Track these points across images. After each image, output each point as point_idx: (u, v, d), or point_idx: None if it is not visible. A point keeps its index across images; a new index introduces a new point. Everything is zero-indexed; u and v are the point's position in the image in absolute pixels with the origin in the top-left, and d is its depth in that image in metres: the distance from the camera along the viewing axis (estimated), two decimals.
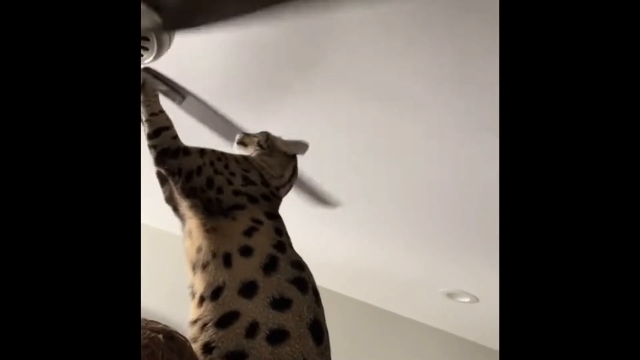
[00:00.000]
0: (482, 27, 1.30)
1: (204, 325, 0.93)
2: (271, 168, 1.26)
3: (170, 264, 1.70)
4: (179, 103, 1.51)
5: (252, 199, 1.11)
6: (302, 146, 1.36)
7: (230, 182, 1.12)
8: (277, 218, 1.11)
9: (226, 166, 1.16)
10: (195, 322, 0.95)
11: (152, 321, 0.80)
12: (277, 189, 1.23)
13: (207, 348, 0.90)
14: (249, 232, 1.03)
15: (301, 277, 0.99)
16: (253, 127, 1.57)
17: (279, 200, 1.21)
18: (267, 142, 1.33)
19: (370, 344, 3.21)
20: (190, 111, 1.55)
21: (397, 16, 1.33)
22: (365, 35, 1.41)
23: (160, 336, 0.77)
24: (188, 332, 0.95)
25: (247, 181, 1.15)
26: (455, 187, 1.96)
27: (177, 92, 1.49)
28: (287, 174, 1.30)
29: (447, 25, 1.33)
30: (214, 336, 0.90)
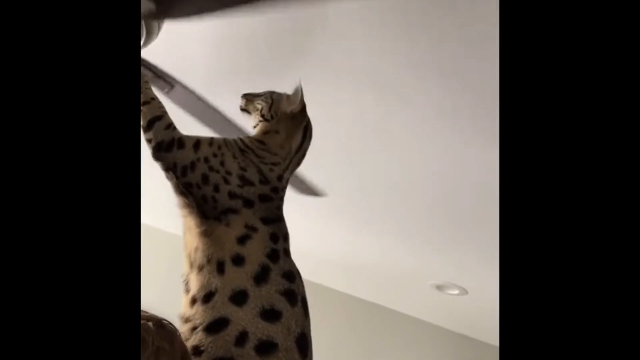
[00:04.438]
0: (480, 16, 1.30)
1: (194, 328, 0.95)
2: (272, 152, 1.18)
3: (170, 263, 1.70)
4: (167, 92, 1.44)
5: (248, 203, 1.07)
6: (298, 91, 1.23)
7: (226, 181, 1.08)
8: (274, 222, 1.08)
9: (222, 163, 1.10)
10: (185, 321, 0.97)
11: (141, 310, 0.80)
12: (281, 177, 1.16)
13: (197, 351, 0.92)
14: (242, 240, 1.02)
15: (291, 289, 1.00)
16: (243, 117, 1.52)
17: (282, 193, 1.15)
18: (271, 111, 1.24)
19: (359, 337, 3.23)
20: (179, 101, 1.49)
21: (390, 5, 1.31)
22: (358, 25, 1.40)
23: (150, 323, 0.78)
24: (178, 326, 0.95)
25: (244, 181, 1.09)
26: (444, 179, 1.97)
27: (166, 81, 1.42)
28: (295, 144, 1.22)
29: (444, 14, 1.32)
30: (203, 340, 0.93)
